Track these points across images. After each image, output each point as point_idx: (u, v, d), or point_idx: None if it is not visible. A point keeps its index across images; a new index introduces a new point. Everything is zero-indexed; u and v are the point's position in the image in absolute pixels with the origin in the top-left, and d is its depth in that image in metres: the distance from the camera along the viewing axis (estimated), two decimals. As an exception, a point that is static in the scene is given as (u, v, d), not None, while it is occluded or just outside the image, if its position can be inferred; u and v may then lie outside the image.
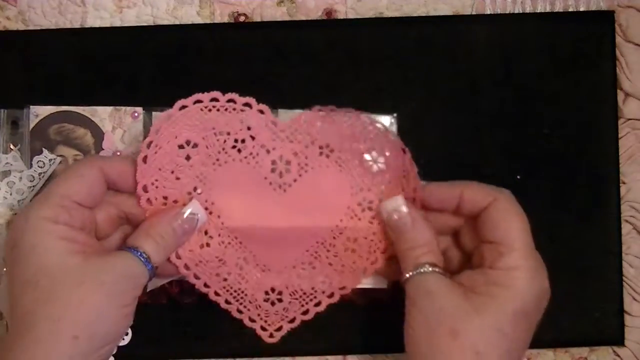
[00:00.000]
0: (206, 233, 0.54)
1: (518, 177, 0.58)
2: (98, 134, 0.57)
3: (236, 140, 0.53)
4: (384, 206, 0.53)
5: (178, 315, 0.58)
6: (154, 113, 0.57)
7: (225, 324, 0.56)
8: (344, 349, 0.59)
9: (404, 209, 0.52)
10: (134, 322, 0.56)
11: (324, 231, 0.54)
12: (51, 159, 0.57)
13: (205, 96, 0.52)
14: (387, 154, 0.53)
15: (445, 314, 0.47)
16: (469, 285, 0.49)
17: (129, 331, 0.57)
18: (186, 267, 0.54)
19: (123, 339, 0.57)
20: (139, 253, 0.49)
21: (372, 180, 0.54)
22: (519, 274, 0.48)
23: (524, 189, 0.57)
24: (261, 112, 0.53)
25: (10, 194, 0.57)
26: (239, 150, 0.53)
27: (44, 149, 0.57)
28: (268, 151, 0.54)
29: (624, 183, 0.59)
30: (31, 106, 0.57)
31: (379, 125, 0.53)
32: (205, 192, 0.54)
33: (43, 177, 0.57)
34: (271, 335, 0.55)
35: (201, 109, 0.52)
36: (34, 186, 0.57)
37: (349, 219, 0.54)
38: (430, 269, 0.50)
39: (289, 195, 0.54)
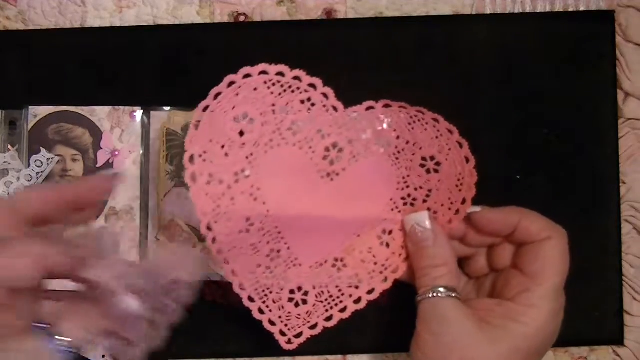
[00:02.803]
0: (248, 219, 0.52)
1: (518, 177, 0.58)
2: (96, 133, 0.57)
3: (293, 122, 0.51)
4: (408, 218, 0.52)
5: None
6: (152, 113, 0.57)
7: (226, 324, 0.56)
8: (344, 349, 0.59)
9: (428, 224, 0.51)
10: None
11: (364, 222, 0.53)
12: (49, 158, 0.57)
13: (272, 68, 0.50)
14: (446, 159, 0.52)
15: (459, 343, 0.47)
16: (486, 313, 0.49)
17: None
18: (219, 251, 0.51)
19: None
20: None
21: (422, 181, 0.52)
22: (538, 315, 0.48)
23: (523, 189, 0.57)
24: (325, 95, 0.51)
25: (8, 194, 0.56)
26: (294, 133, 0.52)
27: (41, 147, 0.57)
28: (323, 137, 0.52)
29: (624, 183, 0.59)
30: (30, 107, 0.57)
31: (447, 128, 0.51)
32: (252, 176, 0.51)
33: (41, 176, 0.57)
34: (289, 342, 0.52)
35: (265, 82, 0.50)
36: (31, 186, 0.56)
37: (390, 210, 0.53)
38: (446, 293, 0.49)
39: (336, 184, 0.52)
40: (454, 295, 0.49)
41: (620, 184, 0.58)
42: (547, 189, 0.57)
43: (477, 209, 0.51)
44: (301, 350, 0.55)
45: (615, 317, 0.58)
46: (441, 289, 0.49)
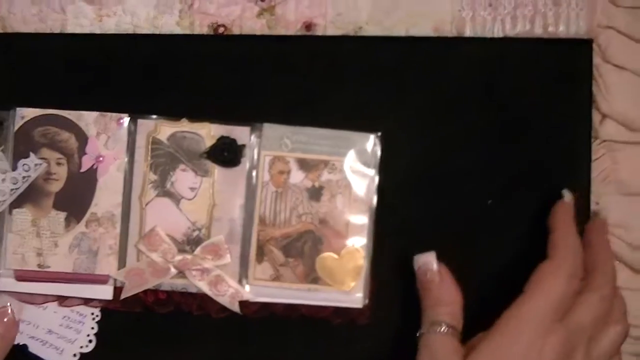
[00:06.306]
0: None
1: (489, 201, 0.57)
2: (82, 138, 0.58)
3: None
4: (416, 259, 0.53)
5: (151, 324, 0.58)
6: (139, 121, 0.57)
7: (202, 335, 0.58)
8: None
9: (434, 266, 0.52)
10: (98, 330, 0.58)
11: None
12: (37, 164, 0.57)
13: None
14: None
15: None
16: None
17: (93, 338, 0.58)
18: None
19: (86, 346, 0.58)
20: None
21: None
22: None
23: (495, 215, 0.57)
24: None
25: (-8, 194, 0.57)
26: None
27: (31, 153, 0.57)
28: None
29: (597, 204, 0.58)
30: (17, 108, 0.57)
31: None
32: None
33: (26, 181, 0.57)
34: None
35: None
36: (16, 189, 0.57)
37: None
38: (445, 329, 0.50)
39: None
40: (452, 332, 0.50)
41: (594, 205, 0.58)
42: (522, 213, 0.57)
43: None
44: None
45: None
46: (441, 325, 0.50)
